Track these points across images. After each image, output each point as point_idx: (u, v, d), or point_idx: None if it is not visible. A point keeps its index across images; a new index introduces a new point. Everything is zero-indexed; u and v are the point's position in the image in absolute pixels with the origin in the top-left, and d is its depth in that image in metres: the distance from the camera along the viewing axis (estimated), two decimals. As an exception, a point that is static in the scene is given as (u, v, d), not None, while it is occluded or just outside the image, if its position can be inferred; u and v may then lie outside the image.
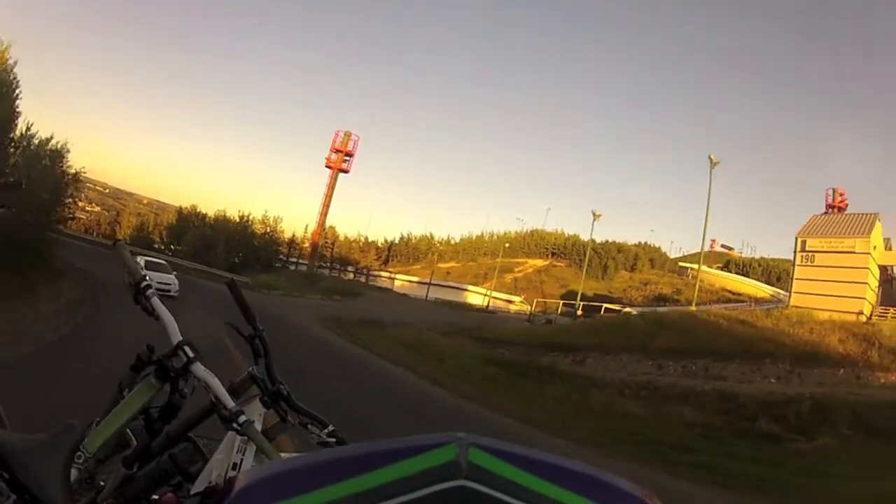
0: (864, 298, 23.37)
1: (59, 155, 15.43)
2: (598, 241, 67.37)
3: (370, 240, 72.85)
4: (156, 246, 47.14)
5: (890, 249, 27.39)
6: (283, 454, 1.14)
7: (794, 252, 26.04)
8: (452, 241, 76.54)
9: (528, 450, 0.51)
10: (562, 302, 47.13)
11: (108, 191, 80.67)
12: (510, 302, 50.55)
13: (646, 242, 72.90)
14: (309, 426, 1.36)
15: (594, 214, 46.82)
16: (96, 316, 10.96)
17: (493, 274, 64.76)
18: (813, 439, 8.97)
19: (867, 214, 26.94)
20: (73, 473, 1.16)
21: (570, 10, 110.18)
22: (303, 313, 21.47)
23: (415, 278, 56.33)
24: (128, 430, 1.27)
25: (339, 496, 0.48)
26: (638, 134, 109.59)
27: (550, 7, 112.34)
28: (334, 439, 1.33)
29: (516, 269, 69.15)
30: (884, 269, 26.48)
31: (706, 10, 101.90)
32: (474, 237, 76.59)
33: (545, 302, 48.55)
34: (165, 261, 22.08)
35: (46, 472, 1.06)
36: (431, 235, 76.37)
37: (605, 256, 68.58)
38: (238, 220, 48.46)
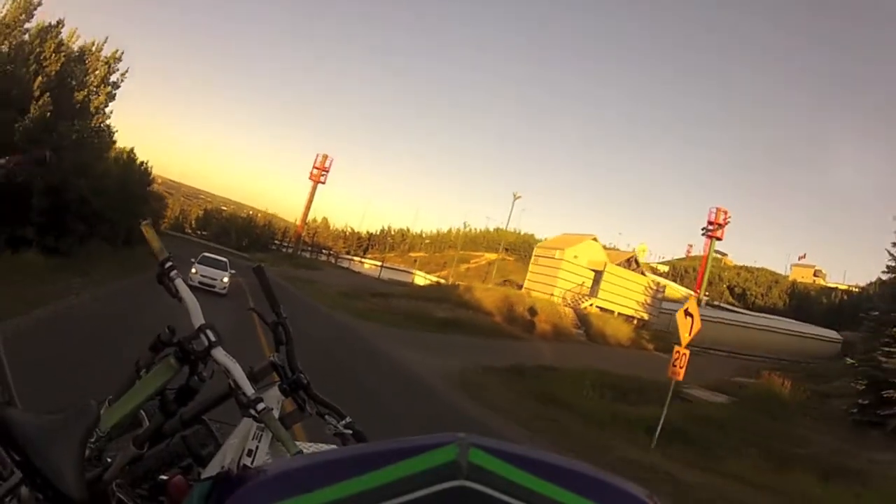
0: (555, 286, 35.35)
1: (161, 198, 34.36)
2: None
3: (355, 230, 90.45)
4: (188, 232, 66.65)
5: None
6: (298, 443, 1.14)
7: (532, 255, 41.33)
8: (425, 235, 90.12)
9: (528, 450, 0.53)
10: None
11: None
12: (438, 283, 68.30)
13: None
14: (326, 417, 1.38)
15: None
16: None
17: (452, 263, 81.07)
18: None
19: (583, 235, 39.23)
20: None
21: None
22: (271, 273, 40.02)
23: (377, 262, 72.29)
24: (141, 410, 1.28)
25: (339, 496, 0.49)
26: (617, 143, 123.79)
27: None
28: (351, 431, 1.35)
29: (471, 261, 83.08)
30: (599, 272, 38.89)
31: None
32: (443, 232, 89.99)
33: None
34: (226, 259, 21.35)
35: (59, 454, 1.03)
36: (408, 229, 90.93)
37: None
38: (246, 215, 67.98)
